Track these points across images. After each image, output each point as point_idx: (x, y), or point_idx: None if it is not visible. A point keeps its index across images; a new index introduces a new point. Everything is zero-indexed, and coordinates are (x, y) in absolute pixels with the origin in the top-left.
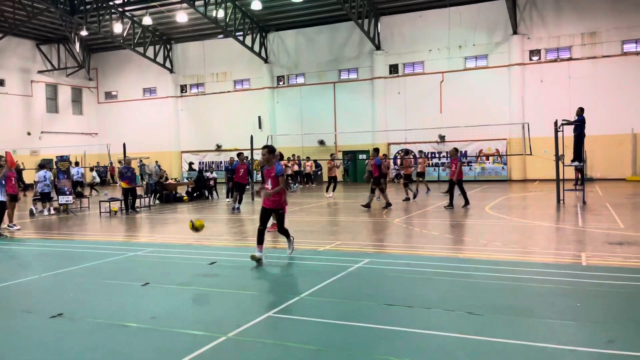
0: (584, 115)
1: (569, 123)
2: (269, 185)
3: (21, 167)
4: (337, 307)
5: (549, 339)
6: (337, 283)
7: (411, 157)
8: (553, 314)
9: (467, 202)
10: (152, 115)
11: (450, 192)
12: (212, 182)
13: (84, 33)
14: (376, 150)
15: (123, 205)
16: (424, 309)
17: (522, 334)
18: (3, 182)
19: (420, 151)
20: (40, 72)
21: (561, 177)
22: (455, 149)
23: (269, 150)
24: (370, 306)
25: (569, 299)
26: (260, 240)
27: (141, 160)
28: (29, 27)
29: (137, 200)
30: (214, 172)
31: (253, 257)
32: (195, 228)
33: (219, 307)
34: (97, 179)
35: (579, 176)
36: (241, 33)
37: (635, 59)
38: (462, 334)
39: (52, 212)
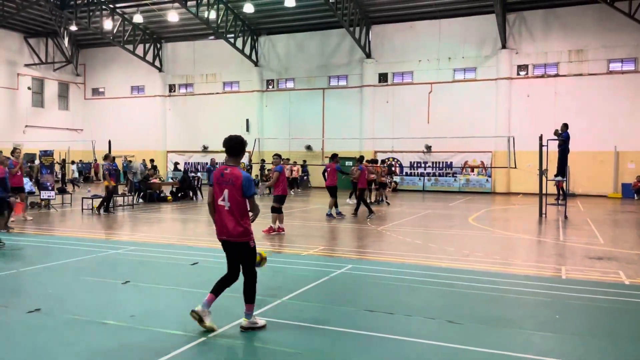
0: (568, 131)
1: (555, 138)
2: (226, 203)
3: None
4: (318, 312)
5: (527, 349)
6: (319, 288)
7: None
8: (532, 325)
9: (356, 212)
10: (139, 114)
11: (358, 200)
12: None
13: (73, 28)
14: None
15: (106, 204)
16: (405, 316)
17: (501, 343)
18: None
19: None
20: (27, 65)
21: (544, 191)
22: (361, 157)
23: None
24: (351, 312)
25: (548, 311)
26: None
27: (126, 159)
28: (18, 19)
29: (121, 199)
30: (198, 172)
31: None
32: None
33: None
34: (76, 174)
35: (559, 191)
36: (232, 35)
37: (620, 78)
38: (442, 342)
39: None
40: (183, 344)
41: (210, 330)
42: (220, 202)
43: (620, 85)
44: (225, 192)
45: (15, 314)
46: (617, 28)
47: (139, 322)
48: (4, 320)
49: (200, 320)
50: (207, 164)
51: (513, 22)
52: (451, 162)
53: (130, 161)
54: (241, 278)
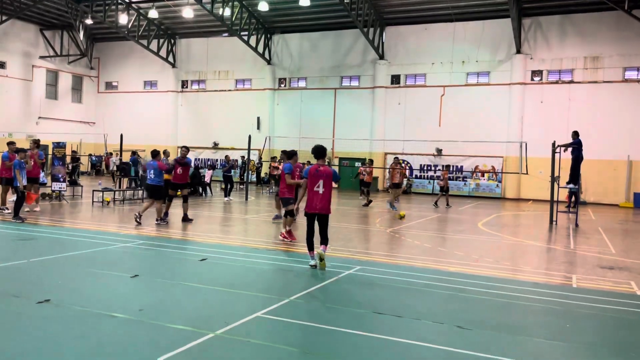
0: (580, 138)
1: (567, 145)
2: (320, 189)
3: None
4: (326, 312)
5: (537, 358)
6: (328, 288)
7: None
8: (542, 334)
9: None
10: (151, 109)
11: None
12: (207, 178)
13: (88, 21)
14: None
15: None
16: (413, 320)
17: (510, 351)
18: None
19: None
20: (42, 57)
21: (555, 198)
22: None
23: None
24: (359, 313)
25: (558, 319)
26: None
27: (136, 153)
28: (34, 11)
29: (131, 193)
30: (212, 169)
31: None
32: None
33: (207, 304)
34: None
35: (571, 199)
36: (246, 33)
37: (635, 86)
38: (450, 347)
39: None
40: (191, 340)
41: (322, 267)
42: (315, 189)
43: (636, 93)
44: (321, 181)
45: (25, 304)
46: (634, 36)
47: (147, 316)
48: (14, 309)
49: (321, 259)
50: (217, 160)
51: (528, 27)
52: (461, 166)
53: (139, 156)
54: None
